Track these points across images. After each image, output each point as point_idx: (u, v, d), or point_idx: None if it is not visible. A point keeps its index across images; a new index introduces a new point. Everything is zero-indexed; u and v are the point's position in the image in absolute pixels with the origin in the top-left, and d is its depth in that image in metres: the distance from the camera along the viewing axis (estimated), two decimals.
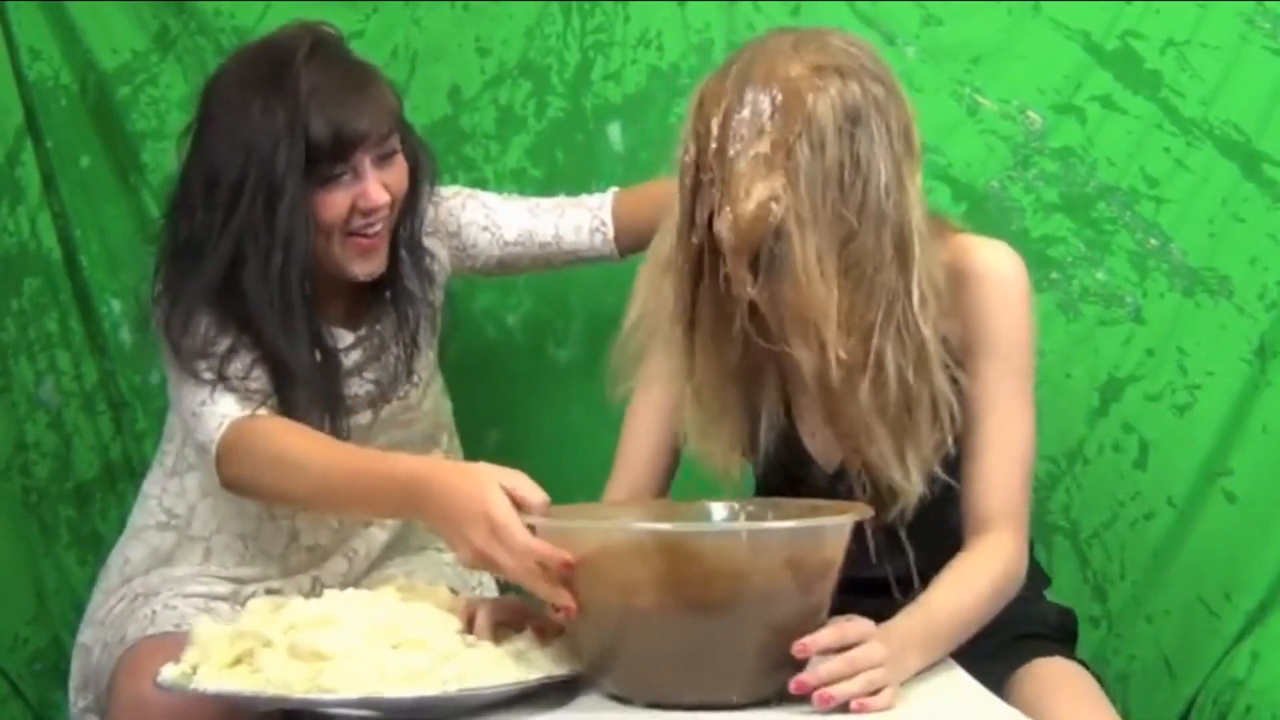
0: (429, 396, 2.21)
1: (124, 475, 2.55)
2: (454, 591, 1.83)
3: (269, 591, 2.10)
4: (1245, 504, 2.37)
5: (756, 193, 1.62)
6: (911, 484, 1.72)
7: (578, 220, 2.21)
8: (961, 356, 1.78)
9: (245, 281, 1.96)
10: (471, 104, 2.54)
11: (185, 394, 2.00)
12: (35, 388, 2.52)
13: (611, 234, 2.21)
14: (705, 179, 1.66)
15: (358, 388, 2.10)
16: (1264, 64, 2.38)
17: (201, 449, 1.99)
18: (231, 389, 1.97)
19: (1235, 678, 2.28)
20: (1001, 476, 1.79)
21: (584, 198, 2.26)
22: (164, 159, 2.53)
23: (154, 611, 2.03)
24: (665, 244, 1.76)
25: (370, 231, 2.02)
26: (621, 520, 1.71)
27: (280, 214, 1.95)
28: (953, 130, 2.45)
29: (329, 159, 1.97)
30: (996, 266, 1.83)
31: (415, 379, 2.15)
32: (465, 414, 2.36)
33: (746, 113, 1.64)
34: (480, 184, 2.51)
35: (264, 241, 1.95)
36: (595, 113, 2.53)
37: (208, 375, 1.98)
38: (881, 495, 1.74)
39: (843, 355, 1.64)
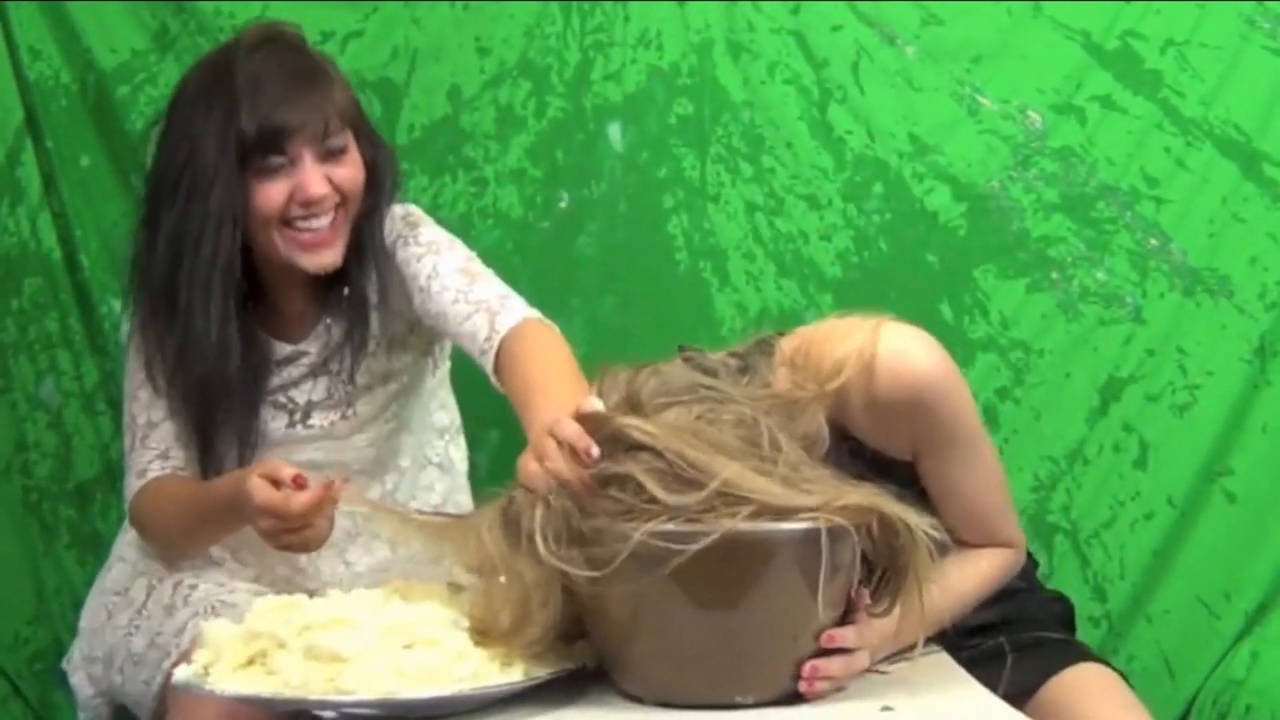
0: (368, 432, 2.13)
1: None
2: (454, 589, 1.82)
3: None
4: (1245, 504, 2.38)
5: None
6: None
7: (475, 328, 1.92)
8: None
9: (181, 277, 1.96)
10: (471, 104, 2.54)
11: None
12: (35, 388, 2.51)
13: (491, 367, 1.91)
14: None
15: (284, 401, 2.08)
16: (1264, 64, 2.40)
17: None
18: (149, 441, 2.07)
19: (1235, 678, 2.29)
20: (980, 524, 1.77)
21: (506, 307, 1.94)
22: None
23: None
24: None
25: (313, 225, 1.98)
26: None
27: (211, 204, 1.93)
28: (953, 130, 2.46)
29: (260, 149, 1.94)
30: (908, 382, 1.68)
31: (350, 411, 2.10)
32: (466, 415, 2.34)
33: None
34: (480, 184, 2.52)
35: (194, 234, 1.94)
36: (595, 112, 2.53)
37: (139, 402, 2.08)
38: None
39: None
